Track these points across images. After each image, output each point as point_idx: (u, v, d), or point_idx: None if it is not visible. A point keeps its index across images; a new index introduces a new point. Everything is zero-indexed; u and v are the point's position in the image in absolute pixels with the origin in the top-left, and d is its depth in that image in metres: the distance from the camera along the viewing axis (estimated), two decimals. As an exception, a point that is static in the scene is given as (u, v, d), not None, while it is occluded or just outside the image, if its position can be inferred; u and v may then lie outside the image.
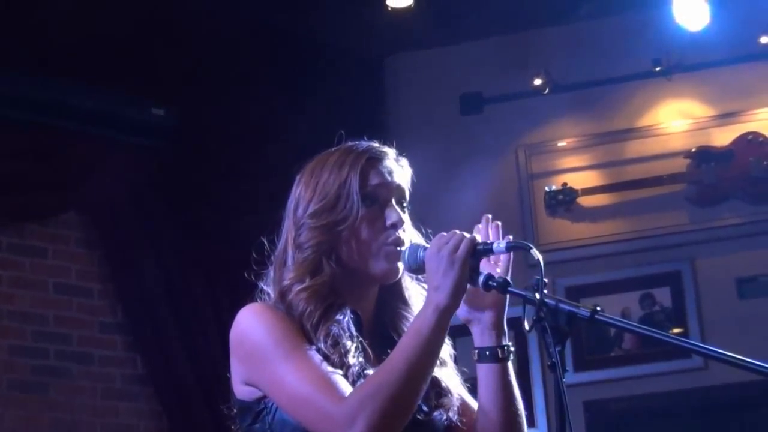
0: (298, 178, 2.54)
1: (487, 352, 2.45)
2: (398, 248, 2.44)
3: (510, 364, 2.48)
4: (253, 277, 2.55)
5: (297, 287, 2.40)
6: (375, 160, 2.50)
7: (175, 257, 5.74)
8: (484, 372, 2.46)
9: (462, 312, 2.43)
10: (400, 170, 2.52)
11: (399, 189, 2.50)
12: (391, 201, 2.48)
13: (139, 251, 5.78)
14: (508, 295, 2.40)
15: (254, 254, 2.55)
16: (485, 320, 2.44)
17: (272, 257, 2.53)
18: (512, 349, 2.48)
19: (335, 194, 2.45)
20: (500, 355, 2.45)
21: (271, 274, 2.51)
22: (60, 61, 5.51)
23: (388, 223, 2.45)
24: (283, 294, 2.43)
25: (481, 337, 2.45)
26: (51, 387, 5.56)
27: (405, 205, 2.51)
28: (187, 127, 5.75)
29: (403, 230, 2.46)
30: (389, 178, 2.50)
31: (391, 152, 2.54)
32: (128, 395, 5.77)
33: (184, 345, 5.65)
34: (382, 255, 2.44)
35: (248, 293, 2.54)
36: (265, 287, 2.52)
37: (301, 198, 2.49)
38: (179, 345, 5.66)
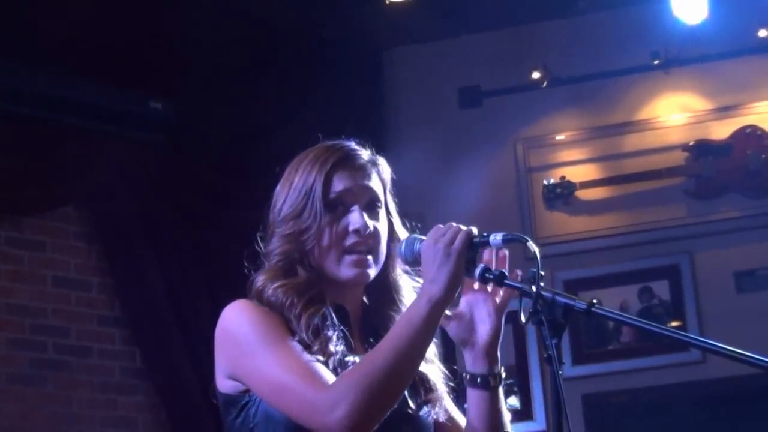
0: (287, 173, 2.52)
1: (479, 379, 2.42)
2: (363, 255, 2.42)
3: (501, 390, 2.45)
4: (252, 272, 2.52)
5: (271, 286, 2.40)
6: (342, 164, 2.46)
7: (174, 251, 5.74)
8: (474, 397, 2.44)
9: (456, 333, 2.43)
10: (372, 171, 2.49)
11: (368, 191, 2.47)
12: (355, 206, 2.44)
13: (138, 245, 5.78)
14: (503, 321, 2.41)
15: (248, 249, 2.53)
16: (479, 345, 2.41)
17: (259, 249, 2.52)
18: (504, 375, 2.45)
19: (302, 202, 2.43)
20: (491, 384, 2.42)
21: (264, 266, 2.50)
22: (58, 55, 5.51)
23: (351, 228, 2.42)
24: (259, 294, 2.41)
25: (473, 362, 2.43)
26: (49, 380, 5.57)
27: (378, 206, 2.48)
28: (184, 120, 5.76)
29: (370, 233, 2.42)
30: (356, 182, 2.46)
31: (365, 153, 2.50)
32: (127, 389, 5.78)
33: (182, 338, 5.66)
34: (346, 263, 2.42)
35: (245, 286, 2.53)
36: (256, 276, 2.49)
37: (278, 199, 2.49)
38: (178, 338, 5.67)
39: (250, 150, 5.67)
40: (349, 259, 2.42)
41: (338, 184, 2.44)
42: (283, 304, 2.37)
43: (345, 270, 2.42)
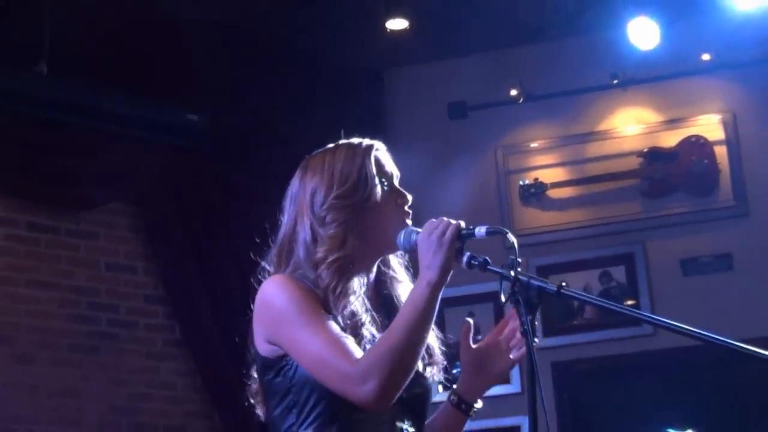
0: (301, 170, 2.51)
1: (463, 406, 2.49)
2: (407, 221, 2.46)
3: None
4: (257, 257, 2.53)
5: (329, 259, 2.37)
6: (380, 150, 2.51)
7: (206, 240, 5.76)
8: (452, 416, 2.51)
9: (467, 360, 2.48)
10: (392, 162, 2.54)
11: (397, 175, 2.52)
12: (396, 182, 2.50)
13: (176, 235, 5.80)
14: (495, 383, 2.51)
15: (257, 239, 2.54)
16: (480, 383, 2.49)
17: (271, 240, 2.51)
18: (477, 409, 2.52)
19: (355, 179, 2.43)
20: (471, 415, 2.51)
21: (274, 252, 2.48)
22: (110, 73, 5.52)
23: (406, 198, 2.47)
24: (317, 264, 2.38)
25: (467, 390, 2.50)
26: (102, 349, 5.59)
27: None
28: (216, 130, 5.73)
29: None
30: (392, 164, 2.52)
31: (383, 147, 2.55)
32: (168, 356, 5.79)
33: (214, 314, 5.67)
34: (399, 225, 2.44)
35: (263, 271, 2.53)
36: (265, 265, 2.50)
37: (318, 186, 2.44)
38: (210, 314, 5.68)
39: (269, 156, 5.65)
40: (401, 222, 2.45)
41: (383, 165, 2.49)
42: (328, 285, 2.35)
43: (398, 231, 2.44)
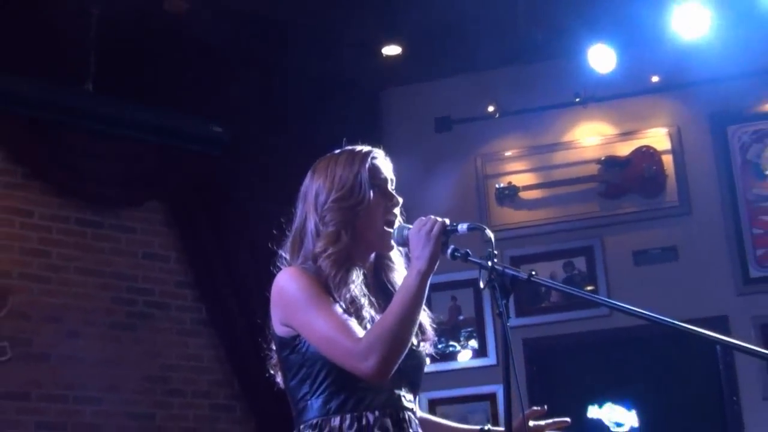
0: (311, 173, 2.50)
1: None
2: (393, 225, 2.44)
3: None
4: (275, 246, 2.53)
5: (325, 253, 2.37)
6: (375, 159, 2.48)
7: (229, 234, 5.75)
8: None
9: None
10: (389, 166, 2.52)
11: (392, 179, 2.50)
12: (389, 187, 2.48)
13: (203, 229, 5.79)
14: None
15: (281, 235, 2.52)
16: None
17: (287, 232, 2.50)
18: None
19: (351, 185, 2.42)
20: None
21: (289, 243, 2.48)
22: (147, 90, 5.54)
23: (395, 201, 2.46)
24: (315, 257, 2.38)
25: None
26: (139, 327, 5.59)
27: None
28: (236, 140, 5.75)
29: (399, 208, 2.48)
30: (387, 173, 2.49)
31: (382, 153, 2.53)
32: (195, 333, 5.78)
33: (235, 297, 5.66)
34: (387, 233, 2.44)
35: (279, 260, 2.53)
36: (282, 253, 2.49)
37: (321, 188, 2.44)
38: (232, 297, 5.68)
39: (281, 161, 5.63)
40: (389, 230, 2.43)
41: (378, 172, 2.46)
42: (328, 275, 2.35)
43: (388, 239, 2.43)
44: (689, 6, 5.48)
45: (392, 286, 2.47)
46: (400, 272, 2.50)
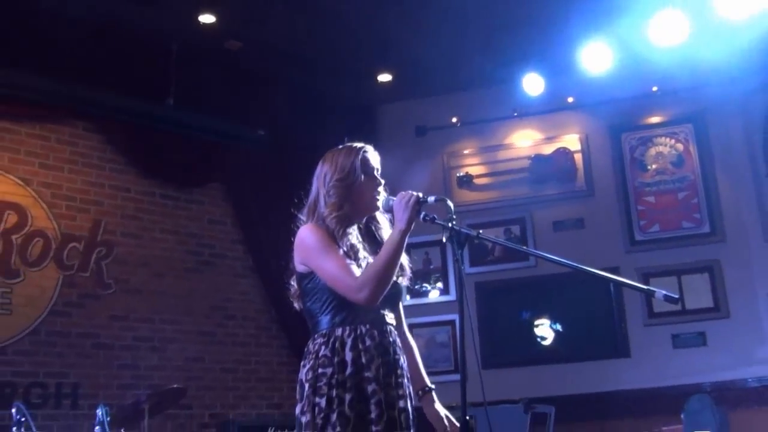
0: (321, 161, 2.44)
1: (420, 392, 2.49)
2: (379, 199, 2.39)
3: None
4: (296, 212, 2.49)
5: (330, 216, 2.33)
6: (366, 152, 2.41)
7: (268, 205, 5.65)
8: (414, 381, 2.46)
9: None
10: (377, 159, 2.45)
11: (378, 168, 2.43)
12: (376, 173, 2.41)
13: (251, 203, 5.74)
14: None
15: (296, 200, 2.49)
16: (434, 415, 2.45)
17: (304, 203, 2.46)
18: (433, 387, 2.48)
19: (348, 170, 2.37)
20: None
21: (306, 209, 2.42)
22: (213, 103, 5.49)
23: (378, 182, 2.39)
24: (324, 219, 2.33)
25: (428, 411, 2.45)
26: (206, 272, 5.60)
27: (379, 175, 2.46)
28: (277, 142, 5.71)
29: (384, 188, 2.42)
30: (375, 163, 2.42)
31: (371, 148, 2.46)
32: (245, 276, 5.77)
33: (272, 250, 5.58)
34: (375, 203, 2.38)
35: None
36: (301, 216, 2.44)
37: (327, 171, 2.39)
38: (270, 251, 5.58)
39: (300, 157, 5.53)
40: (376, 201, 2.38)
41: (367, 162, 2.40)
42: (334, 229, 2.31)
43: (372, 206, 2.38)
44: (595, 45, 5.53)
45: (381, 239, 2.41)
46: (386, 230, 2.44)
